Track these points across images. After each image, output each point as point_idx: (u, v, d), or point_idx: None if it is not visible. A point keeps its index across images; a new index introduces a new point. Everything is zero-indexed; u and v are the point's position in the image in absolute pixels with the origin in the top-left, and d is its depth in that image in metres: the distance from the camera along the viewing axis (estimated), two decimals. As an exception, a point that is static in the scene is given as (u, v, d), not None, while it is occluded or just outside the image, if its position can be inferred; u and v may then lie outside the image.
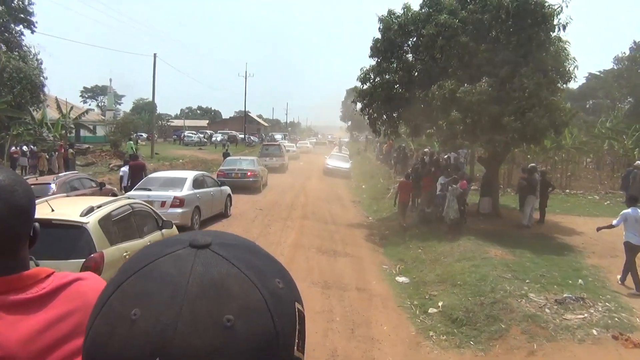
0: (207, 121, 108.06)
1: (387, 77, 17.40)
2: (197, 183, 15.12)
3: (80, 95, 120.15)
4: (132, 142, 29.73)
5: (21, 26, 38.82)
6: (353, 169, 35.12)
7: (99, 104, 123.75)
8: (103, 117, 65.13)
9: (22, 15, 38.61)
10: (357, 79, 17.83)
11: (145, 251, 0.69)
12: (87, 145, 38.35)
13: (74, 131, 37.27)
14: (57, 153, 25.68)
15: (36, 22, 39.19)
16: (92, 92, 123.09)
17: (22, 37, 38.88)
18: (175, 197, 13.65)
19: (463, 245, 12.71)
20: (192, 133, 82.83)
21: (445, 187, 14.66)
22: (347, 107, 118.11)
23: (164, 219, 8.76)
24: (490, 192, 16.53)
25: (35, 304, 1.10)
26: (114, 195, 16.14)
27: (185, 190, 14.13)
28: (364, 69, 17.56)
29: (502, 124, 13.55)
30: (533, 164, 17.79)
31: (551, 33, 14.62)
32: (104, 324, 0.63)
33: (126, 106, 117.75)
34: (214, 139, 75.81)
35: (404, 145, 26.44)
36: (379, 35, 16.90)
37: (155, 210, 8.89)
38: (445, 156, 22.70)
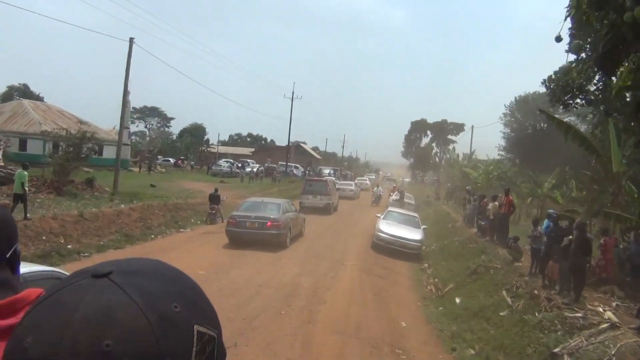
0: (253, 149, 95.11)
1: None
2: None
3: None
4: (24, 171, 15.54)
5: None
6: (427, 239, 19.54)
7: (147, 126, 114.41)
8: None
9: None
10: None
11: (57, 282, 0.72)
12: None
13: None
14: None
15: None
16: (141, 113, 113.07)
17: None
18: None
19: None
20: (228, 161, 69.76)
21: None
22: (411, 141, 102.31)
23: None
24: None
25: None
26: None
27: None
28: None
29: None
30: None
31: None
32: (6, 353, 0.67)
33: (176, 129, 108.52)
34: (249, 169, 62.04)
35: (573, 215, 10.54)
36: None
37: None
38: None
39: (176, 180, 42.47)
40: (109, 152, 50.97)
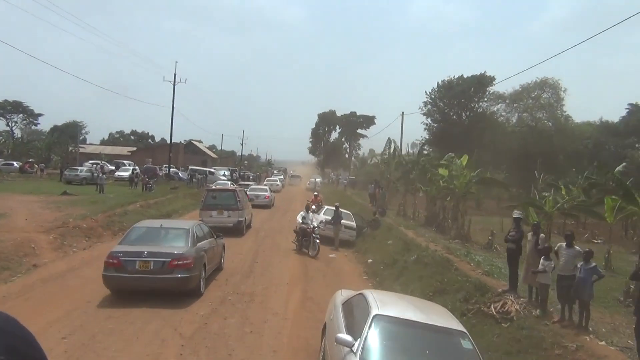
0: (134, 148, 78.14)
1: None
2: None
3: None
4: None
5: None
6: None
7: (9, 124, 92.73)
8: None
9: None
10: None
11: None
12: None
13: None
14: None
15: None
16: (1, 109, 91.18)
17: None
18: None
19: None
20: (96, 163, 53.61)
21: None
22: (319, 136, 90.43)
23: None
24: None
25: None
26: None
27: None
28: None
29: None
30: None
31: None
32: None
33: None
34: (119, 173, 46.71)
35: None
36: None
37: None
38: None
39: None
40: None
